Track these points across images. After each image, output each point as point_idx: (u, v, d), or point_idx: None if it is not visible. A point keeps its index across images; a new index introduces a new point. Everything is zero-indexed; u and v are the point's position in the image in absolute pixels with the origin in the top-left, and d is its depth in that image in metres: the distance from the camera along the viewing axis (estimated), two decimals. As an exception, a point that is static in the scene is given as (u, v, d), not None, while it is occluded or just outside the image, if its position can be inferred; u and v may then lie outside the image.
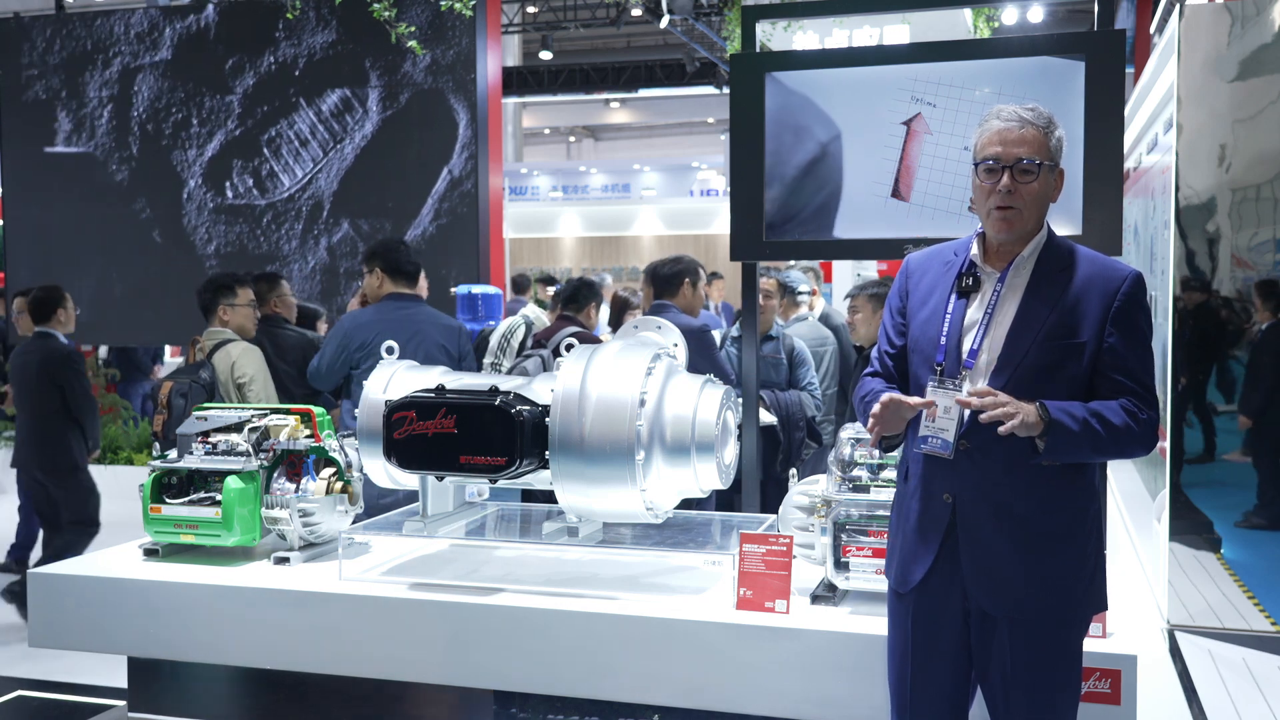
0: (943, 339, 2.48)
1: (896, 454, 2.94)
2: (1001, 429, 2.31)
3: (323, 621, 3.18)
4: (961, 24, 9.59)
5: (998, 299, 2.46)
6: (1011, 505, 2.40)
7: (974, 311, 2.48)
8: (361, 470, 3.53)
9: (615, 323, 6.28)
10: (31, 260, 11.02)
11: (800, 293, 6.39)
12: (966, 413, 2.42)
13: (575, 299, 5.45)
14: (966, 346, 2.46)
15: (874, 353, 2.69)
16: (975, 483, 2.42)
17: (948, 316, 2.49)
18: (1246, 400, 4.88)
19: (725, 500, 4.96)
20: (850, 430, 3.04)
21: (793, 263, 7.81)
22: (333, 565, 3.34)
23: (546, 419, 3.06)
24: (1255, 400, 4.88)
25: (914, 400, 2.43)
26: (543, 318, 6.18)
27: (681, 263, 5.41)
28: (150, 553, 3.54)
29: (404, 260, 4.74)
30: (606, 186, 25.88)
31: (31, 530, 7.08)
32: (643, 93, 22.33)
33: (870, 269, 10.13)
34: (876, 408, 2.44)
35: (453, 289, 10.05)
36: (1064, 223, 3.76)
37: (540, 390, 3.18)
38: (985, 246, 2.53)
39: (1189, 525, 4.86)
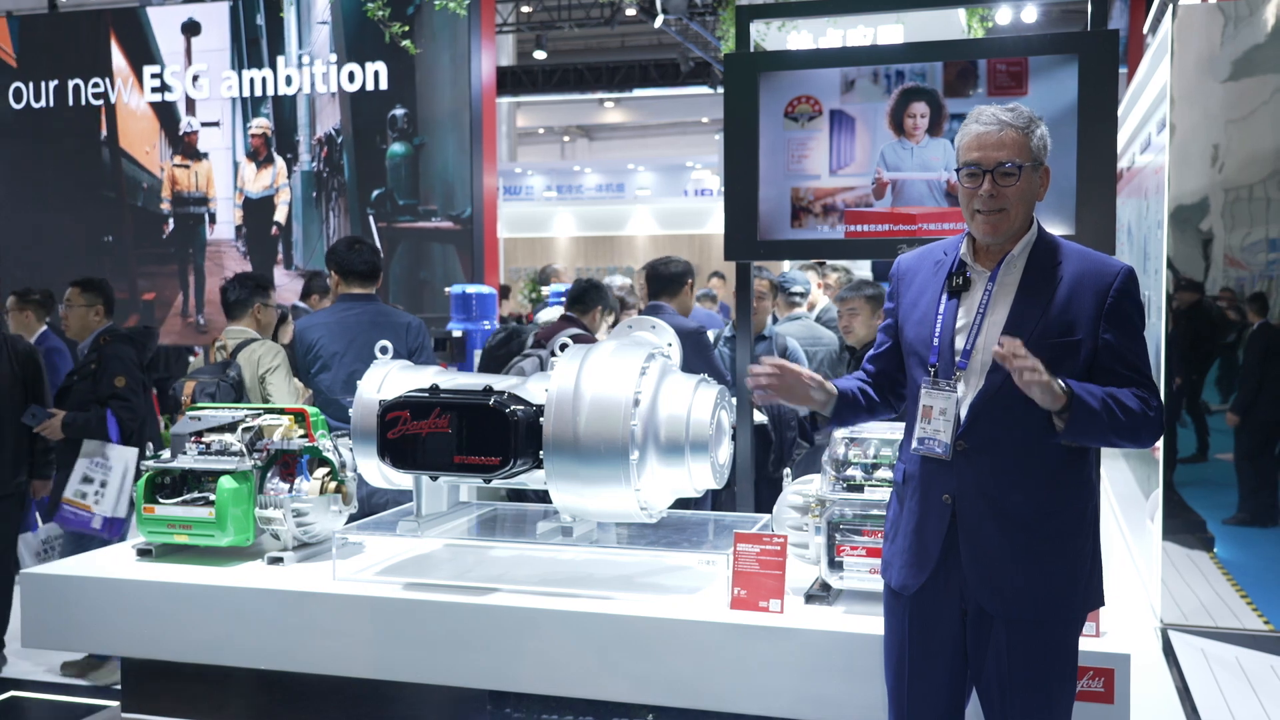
0: (935, 340, 2.48)
1: (891, 454, 2.96)
2: (1022, 378, 2.27)
3: (317, 622, 3.17)
4: (956, 24, 9.60)
5: (989, 298, 2.46)
6: (1010, 504, 2.40)
7: (965, 312, 2.48)
8: (355, 470, 3.53)
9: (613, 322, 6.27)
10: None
11: (794, 292, 6.39)
12: (963, 413, 2.42)
13: (581, 300, 5.42)
14: (959, 346, 2.46)
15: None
16: (974, 483, 2.42)
17: (939, 317, 2.49)
18: (1236, 400, 4.90)
19: (719, 500, 4.96)
20: (844, 430, 3.04)
21: (788, 263, 7.82)
22: (327, 565, 3.34)
23: (541, 419, 3.06)
24: (1243, 399, 4.90)
25: (807, 373, 2.61)
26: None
27: (682, 264, 5.47)
28: (144, 553, 3.53)
29: (355, 260, 4.70)
30: (601, 186, 25.90)
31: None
32: (637, 92, 22.34)
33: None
34: (776, 364, 2.60)
35: (447, 289, 10.06)
36: (1058, 223, 3.77)
37: (534, 390, 3.17)
38: (975, 245, 2.53)
39: (1182, 524, 4.88)
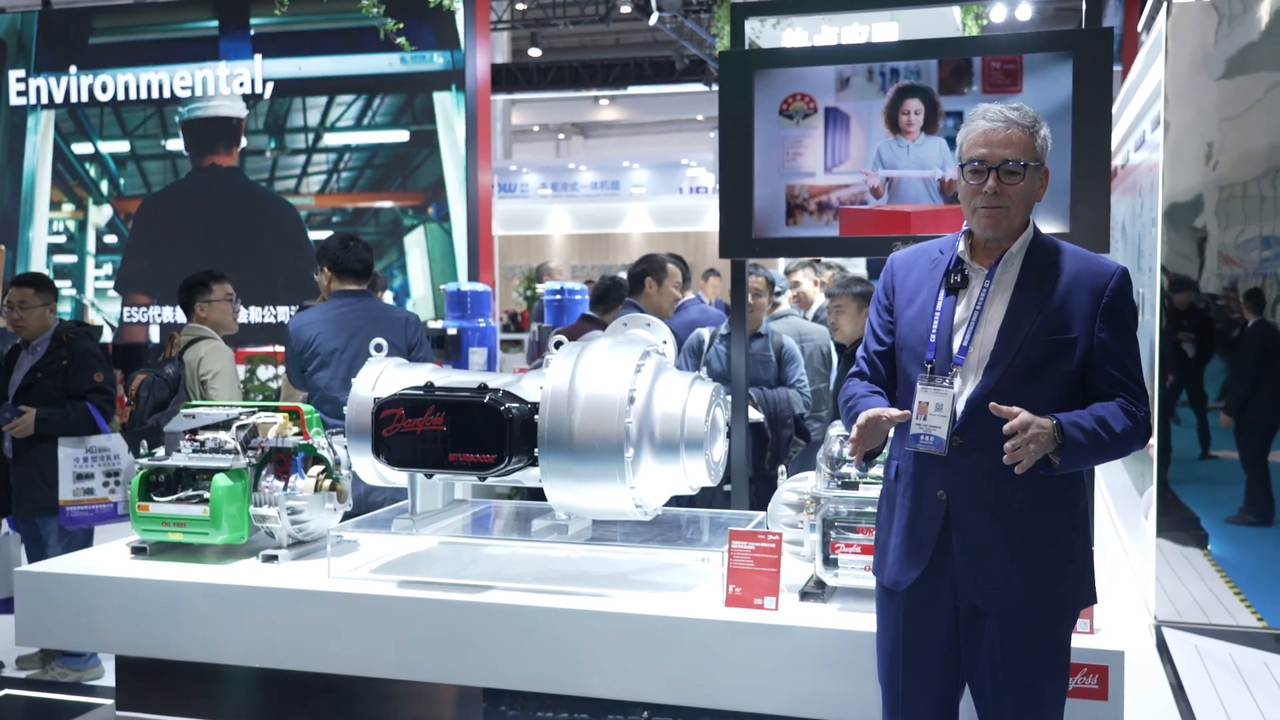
0: (932, 336, 2.49)
1: (886, 450, 2.95)
2: (1018, 469, 2.31)
3: (311, 619, 3.17)
4: (950, 22, 9.60)
5: (986, 296, 2.47)
6: (1004, 502, 2.41)
7: (962, 309, 2.49)
8: (350, 468, 3.52)
9: None
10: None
11: (773, 291, 6.36)
12: (959, 409, 2.42)
13: (604, 300, 5.38)
14: (956, 344, 2.46)
15: (860, 352, 2.69)
16: (968, 479, 2.42)
17: (937, 314, 2.50)
18: (1230, 398, 4.90)
19: (713, 498, 4.95)
20: (838, 428, 3.04)
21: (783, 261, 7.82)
22: (321, 563, 3.34)
23: (536, 416, 3.06)
24: (1237, 398, 4.89)
25: (893, 413, 2.43)
26: None
27: (647, 261, 5.41)
28: (138, 551, 3.53)
29: (351, 259, 4.71)
30: (596, 184, 25.86)
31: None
32: (632, 90, 22.29)
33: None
34: (857, 425, 2.44)
35: (442, 286, 10.05)
36: (1052, 220, 3.77)
37: (529, 388, 3.17)
38: (972, 244, 2.53)
39: (1176, 522, 4.88)
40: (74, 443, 4.85)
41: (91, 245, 12.39)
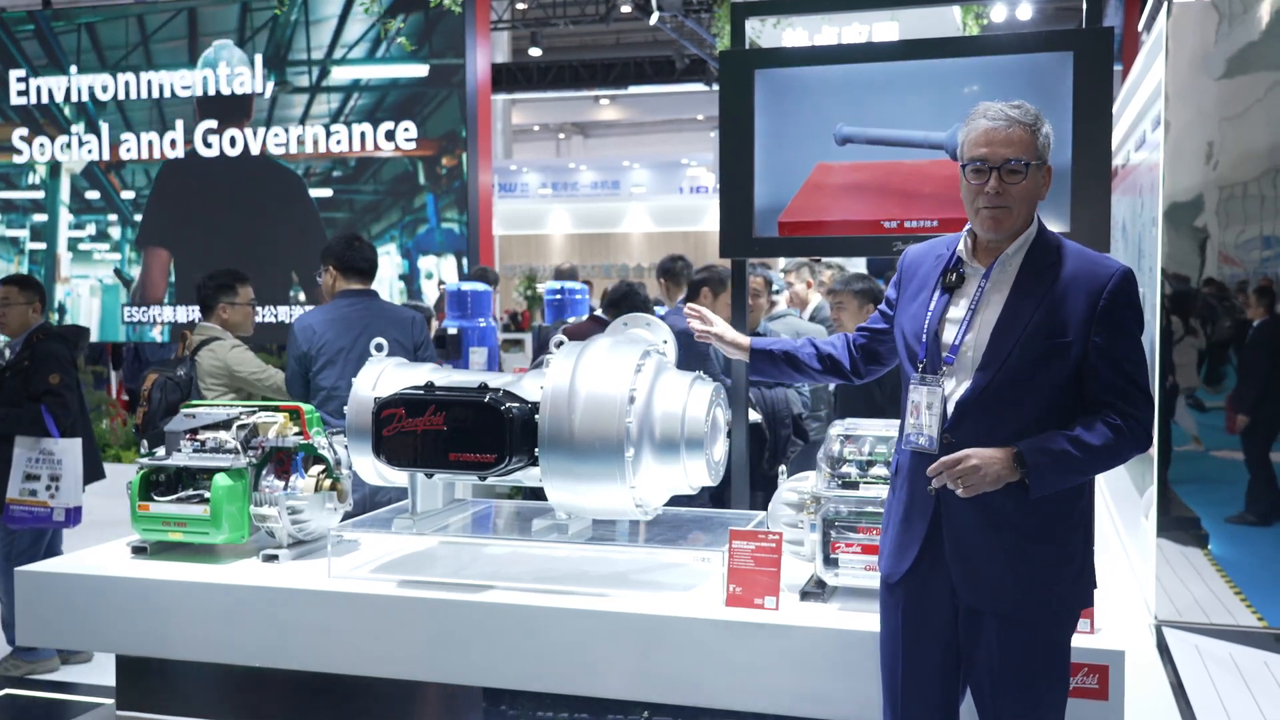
0: (924, 334, 2.49)
1: (886, 451, 2.96)
2: (961, 494, 2.33)
3: (311, 619, 3.17)
4: (951, 21, 9.59)
5: (981, 295, 2.46)
6: (996, 501, 2.39)
7: (958, 308, 2.48)
8: (350, 467, 3.53)
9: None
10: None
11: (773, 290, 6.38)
12: (950, 408, 2.42)
13: (617, 306, 5.43)
14: (947, 341, 2.46)
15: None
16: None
17: (930, 312, 2.50)
18: (1240, 397, 4.89)
19: (713, 497, 4.96)
20: (839, 427, 3.05)
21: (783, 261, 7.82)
22: (322, 563, 3.34)
23: (536, 416, 3.06)
24: (1249, 397, 4.88)
25: (726, 336, 2.96)
26: None
27: (707, 270, 5.63)
28: (138, 550, 3.53)
29: (357, 258, 4.70)
30: (596, 183, 25.90)
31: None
32: (632, 89, 22.33)
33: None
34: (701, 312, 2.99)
35: (441, 285, 10.01)
36: (1052, 220, 3.77)
37: (530, 387, 3.17)
38: (975, 242, 2.53)
39: (1176, 522, 4.88)
40: (29, 443, 4.84)
41: (65, 195, 11.08)
